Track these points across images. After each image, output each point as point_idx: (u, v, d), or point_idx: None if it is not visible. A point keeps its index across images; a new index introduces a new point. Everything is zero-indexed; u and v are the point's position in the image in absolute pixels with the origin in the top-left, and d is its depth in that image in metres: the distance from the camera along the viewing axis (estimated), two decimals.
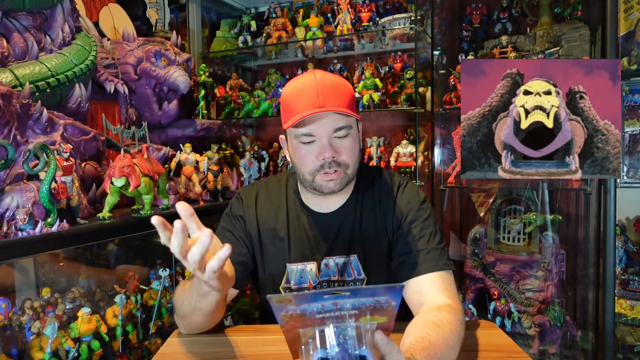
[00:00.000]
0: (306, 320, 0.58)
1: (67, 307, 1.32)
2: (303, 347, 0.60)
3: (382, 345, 0.62)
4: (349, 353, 0.58)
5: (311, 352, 0.59)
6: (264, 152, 2.58)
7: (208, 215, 1.86)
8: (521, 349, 0.97)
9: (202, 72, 2.41)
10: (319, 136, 1.00)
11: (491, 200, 2.22)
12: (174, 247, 0.69)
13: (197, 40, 2.62)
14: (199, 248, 0.68)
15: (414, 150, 2.19)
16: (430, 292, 0.98)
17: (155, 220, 0.67)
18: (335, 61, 2.56)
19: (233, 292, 1.11)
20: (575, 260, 2.18)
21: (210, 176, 1.95)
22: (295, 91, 1.02)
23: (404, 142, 2.24)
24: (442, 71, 2.35)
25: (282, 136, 1.14)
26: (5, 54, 1.43)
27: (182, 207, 0.71)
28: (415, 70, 2.18)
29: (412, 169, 2.19)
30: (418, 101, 2.15)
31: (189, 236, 0.72)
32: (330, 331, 0.59)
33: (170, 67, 1.98)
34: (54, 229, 1.24)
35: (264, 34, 2.51)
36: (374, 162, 2.36)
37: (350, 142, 1.03)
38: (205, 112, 2.40)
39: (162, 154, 1.90)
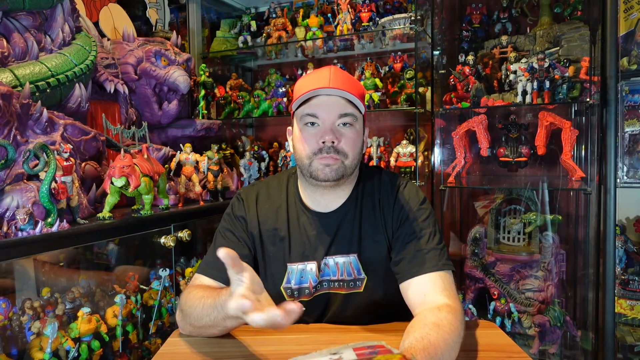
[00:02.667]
0: None
1: (67, 307, 1.32)
2: None
3: None
4: None
5: None
6: (264, 152, 2.58)
7: (208, 215, 1.86)
8: (521, 349, 0.97)
9: (202, 72, 2.41)
10: (323, 120, 1.03)
11: (493, 205, 2.23)
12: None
13: (197, 40, 2.62)
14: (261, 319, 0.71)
15: (414, 150, 2.19)
16: (430, 292, 0.98)
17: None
18: (335, 61, 2.56)
19: None
20: (575, 260, 2.18)
21: (210, 176, 1.95)
22: (309, 77, 1.07)
23: (404, 142, 2.24)
24: (442, 71, 2.35)
25: (289, 127, 1.16)
26: (5, 54, 1.43)
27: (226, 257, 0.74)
28: (415, 70, 2.18)
29: (412, 169, 2.19)
30: (418, 101, 2.15)
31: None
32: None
33: (170, 67, 1.98)
34: (54, 229, 1.24)
35: (264, 34, 2.51)
36: (374, 162, 2.36)
37: (353, 133, 1.05)
38: (205, 112, 2.40)
39: (162, 154, 1.90)
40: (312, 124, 1.04)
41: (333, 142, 1.02)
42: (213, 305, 0.91)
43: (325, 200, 1.13)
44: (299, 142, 1.07)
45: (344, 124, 1.04)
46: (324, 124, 1.03)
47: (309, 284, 1.10)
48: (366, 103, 2.25)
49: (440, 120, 2.35)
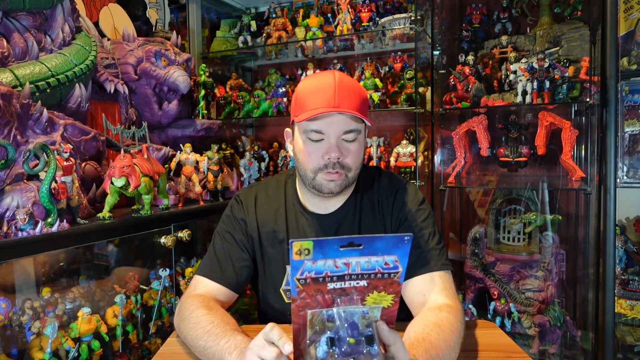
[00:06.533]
0: (317, 294, 0.59)
1: (67, 307, 1.32)
2: (308, 341, 0.61)
3: (386, 335, 0.62)
4: (358, 330, 0.60)
5: (319, 338, 0.61)
6: (264, 152, 2.58)
7: (208, 215, 1.86)
8: (521, 349, 0.97)
9: (202, 72, 2.41)
10: (328, 135, 1.00)
11: (490, 199, 2.23)
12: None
13: (197, 40, 2.62)
14: None
15: (414, 150, 2.19)
16: (430, 292, 0.98)
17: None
18: (335, 61, 2.56)
19: (233, 296, 1.11)
20: (575, 260, 2.18)
21: (210, 176, 1.95)
22: (313, 88, 1.02)
23: (404, 142, 2.24)
24: (442, 71, 2.35)
25: (287, 129, 1.15)
26: (5, 54, 1.43)
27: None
28: (415, 70, 2.18)
29: (412, 169, 2.19)
30: (418, 101, 2.15)
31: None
32: (338, 313, 0.60)
33: (170, 67, 1.98)
34: (54, 229, 1.24)
35: (264, 34, 2.51)
36: (374, 162, 2.36)
37: (357, 147, 1.04)
38: (205, 112, 2.40)
39: (162, 154, 1.90)
40: (317, 139, 1.02)
41: (338, 158, 1.01)
42: (214, 339, 0.87)
43: (324, 203, 1.12)
44: (302, 154, 1.05)
45: (349, 140, 1.02)
46: (329, 139, 1.00)
47: None
48: None
49: (443, 130, 2.36)
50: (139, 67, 1.96)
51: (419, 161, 2.19)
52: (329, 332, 0.60)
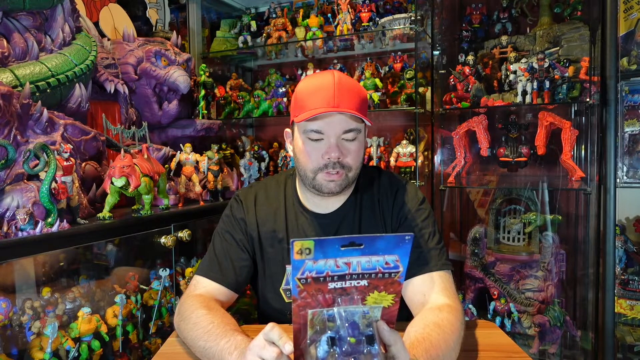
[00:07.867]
0: (318, 294, 0.59)
1: (67, 307, 1.32)
2: (309, 341, 0.62)
3: (386, 334, 0.62)
4: (359, 329, 0.60)
5: (319, 337, 0.61)
6: (264, 152, 2.58)
7: (208, 215, 1.86)
8: (521, 349, 0.97)
9: (202, 72, 2.41)
10: (328, 135, 1.00)
11: (490, 199, 2.23)
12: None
13: (197, 40, 2.62)
14: None
15: (414, 150, 2.19)
16: (430, 292, 0.98)
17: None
18: (335, 61, 2.56)
19: (233, 296, 1.11)
20: (575, 260, 2.18)
21: (211, 176, 1.95)
22: (313, 88, 1.02)
23: (404, 142, 2.24)
24: (442, 71, 2.35)
25: (287, 130, 1.15)
26: (6, 54, 1.43)
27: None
28: (415, 70, 2.18)
29: (412, 169, 2.19)
30: (418, 101, 2.15)
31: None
32: (339, 312, 0.60)
33: (171, 67, 1.98)
34: (54, 229, 1.24)
35: (264, 34, 2.51)
36: (374, 162, 2.36)
37: (357, 146, 1.04)
38: (205, 112, 2.40)
39: (162, 154, 1.90)
40: (317, 138, 1.01)
41: (338, 158, 1.01)
42: (214, 340, 0.87)
43: (324, 202, 1.13)
44: (302, 155, 1.05)
45: (349, 139, 1.02)
46: (329, 139, 1.00)
47: None
48: None
49: (443, 130, 2.35)
50: (139, 67, 1.96)
51: (419, 161, 2.19)
52: (329, 331, 0.60)
